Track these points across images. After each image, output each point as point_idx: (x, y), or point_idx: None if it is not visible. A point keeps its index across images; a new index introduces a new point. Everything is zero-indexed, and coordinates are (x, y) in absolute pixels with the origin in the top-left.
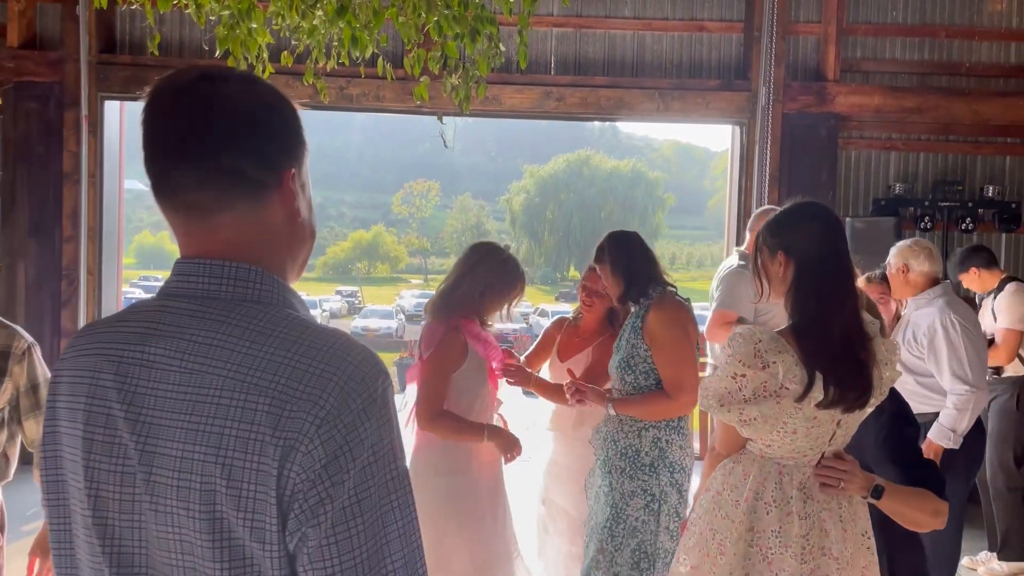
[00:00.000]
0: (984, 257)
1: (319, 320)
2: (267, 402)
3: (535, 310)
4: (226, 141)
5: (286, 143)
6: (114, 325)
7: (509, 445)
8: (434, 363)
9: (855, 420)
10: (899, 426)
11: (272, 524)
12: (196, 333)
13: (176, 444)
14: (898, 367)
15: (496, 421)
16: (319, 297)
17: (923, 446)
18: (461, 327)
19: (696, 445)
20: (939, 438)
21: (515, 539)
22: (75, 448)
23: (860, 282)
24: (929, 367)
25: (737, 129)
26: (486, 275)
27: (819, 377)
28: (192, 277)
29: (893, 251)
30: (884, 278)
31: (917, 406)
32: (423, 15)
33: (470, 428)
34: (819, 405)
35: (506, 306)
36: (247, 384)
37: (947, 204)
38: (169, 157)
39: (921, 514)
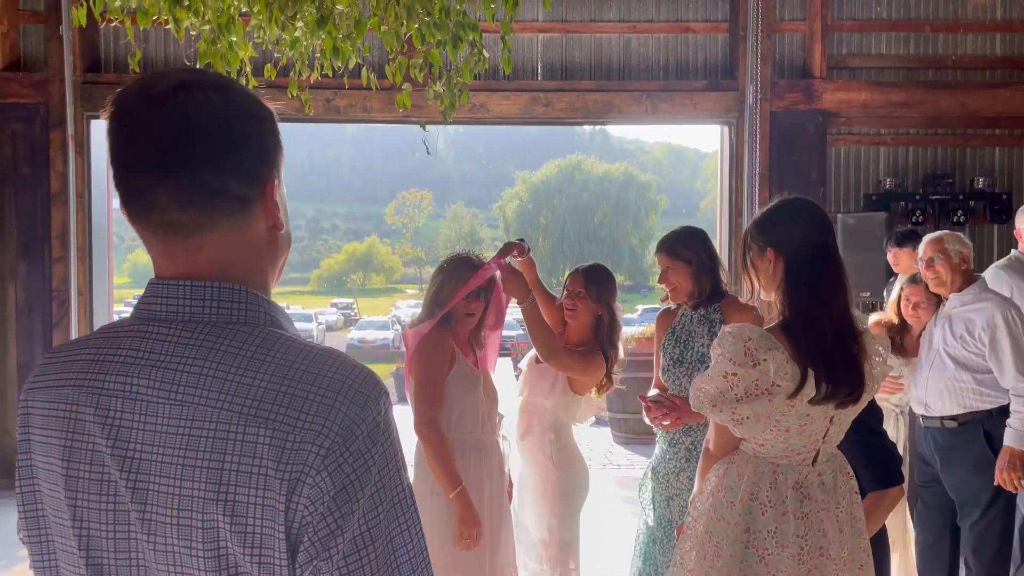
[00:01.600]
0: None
1: (315, 333)
2: (269, 434)
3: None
4: (207, 157)
5: (266, 152)
6: (89, 352)
7: (465, 524)
8: (421, 365)
9: (848, 416)
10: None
11: (281, 558)
12: (183, 362)
13: (172, 481)
14: (948, 364)
15: (500, 440)
16: (315, 310)
17: (1002, 455)
18: (448, 334)
19: None
20: (1018, 442)
21: (515, 566)
22: (55, 485)
23: (905, 284)
24: (990, 364)
25: (726, 129)
26: (435, 287)
27: (811, 373)
28: (172, 300)
29: (950, 241)
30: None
31: (974, 403)
32: (404, 23)
33: (450, 473)
34: (812, 401)
35: (468, 292)
36: (246, 416)
37: (938, 197)
38: (145, 175)
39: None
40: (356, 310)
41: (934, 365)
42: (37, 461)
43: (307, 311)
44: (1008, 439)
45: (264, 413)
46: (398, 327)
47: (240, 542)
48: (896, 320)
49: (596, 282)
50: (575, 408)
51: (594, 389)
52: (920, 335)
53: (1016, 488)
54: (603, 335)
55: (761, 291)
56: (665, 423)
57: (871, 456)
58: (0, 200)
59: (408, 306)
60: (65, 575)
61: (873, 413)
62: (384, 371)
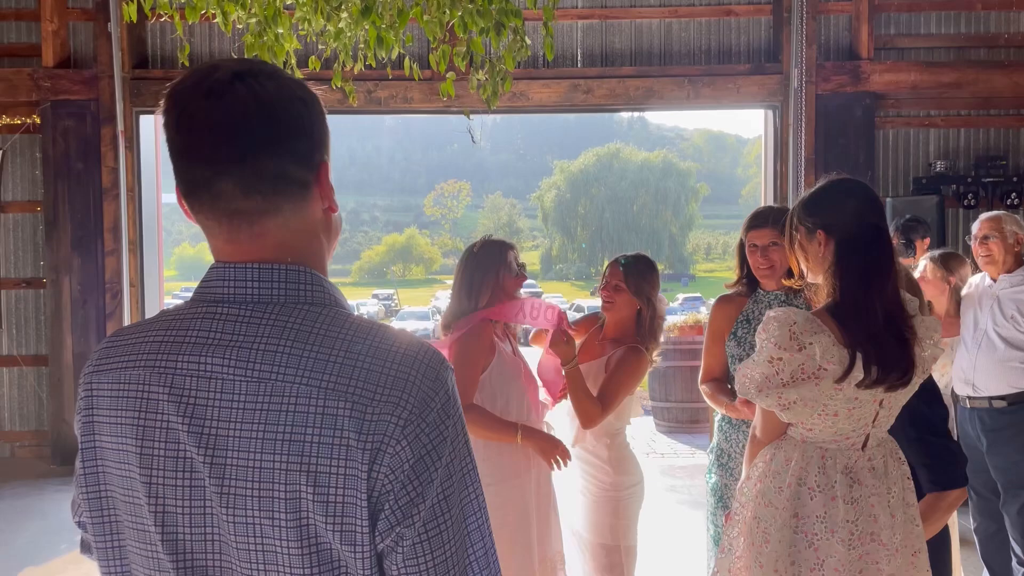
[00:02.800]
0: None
1: None
2: (348, 406)
3: (571, 306)
4: (266, 144)
5: (319, 136)
6: (157, 334)
7: (548, 447)
8: (460, 350)
9: (898, 400)
10: (925, 402)
11: (363, 526)
12: (257, 340)
13: (252, 455)
14: (998, 344)
15: (545, 427)
16: (356, 301)
17: None
18: (488, 326)
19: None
20: None
21: (562, 555)
22: (127, 464)
23: (928, 265)
24: None
25: (770, 113)
26: (466, 278)
27: (859, 357)
28: (241, 282)
29: (1008, 222)
30: (945, 259)
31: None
32: (447, 12)
33: (502, 426)
34: (860, 385)
35: (501, 284)
36: (324, 390)
37: (990, 180)
38: (208, 164)
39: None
40: (397, 301)
41: (982, 346)
42: (104, 442)
43: (349, 302)
44: None
45: (343, 387)
46: (438, 317)
47: (323, 511)
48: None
49: (636, 274)
50: (626, 410)
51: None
52: (945, 314)
53: None
54: (644, 330)
55: (808, 274)
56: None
57: (931, 455)
58: (54, 195)
59: (448, 296)
60: (133, 555)
61: (936, 410)
62: None
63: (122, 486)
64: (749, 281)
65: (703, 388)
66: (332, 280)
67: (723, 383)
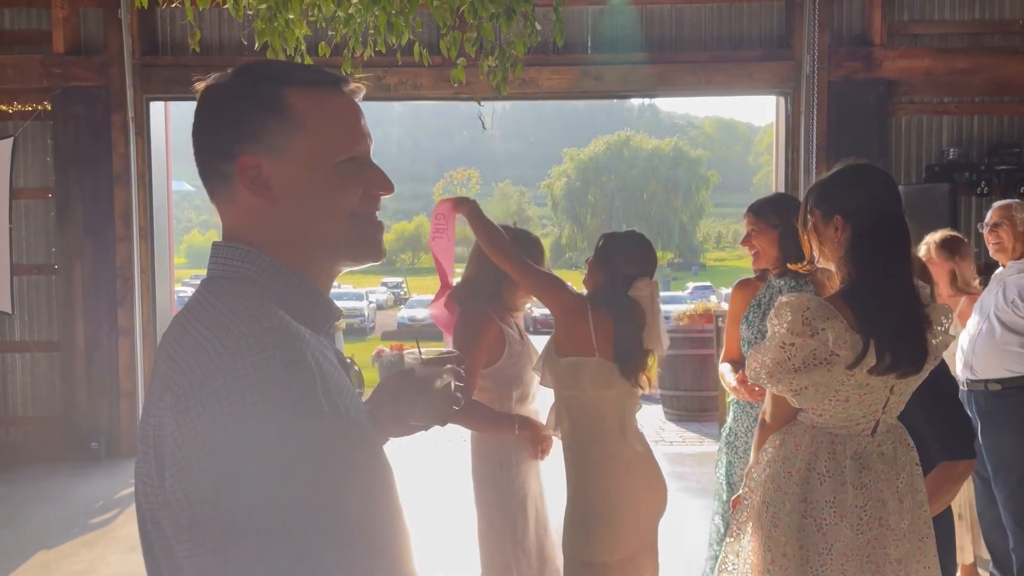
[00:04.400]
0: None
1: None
2: (170, 374)
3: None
4: (200, 138)
5: (243, 130)
6: None
7: (537, 439)
8: (459, 349)
9: (909, 386)
10: (940, 370)
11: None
12: (181, 312)
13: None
14: (997, 327)
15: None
16: (365, 289)
17: None
18: (493, 318)
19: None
20: None
21: (559, 544)
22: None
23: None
24: None
25: (782, 100)
26: (493, 270)
27: (871, 343)
28: (210, 258)
29: (1018, 209)
30: (947, 245)
31: (1021, 368)
32: None
33: (500, 421)
34: (872, 371)
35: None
36: (167, 359)
37: (1004, 168)
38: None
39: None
40: (406, 289)
41: (983, 329)
42: None
43: (358, 290)
44: None
45: (174, 356)
46: None
47: (159, 484)
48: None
49: (607, 244)
50: (583, 382)
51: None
52: (949, 292)
53: None
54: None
55: (820, 258)
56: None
57: (947, 425)
58: (66, 181)
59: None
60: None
61: (951, 378)
62: (433, 348)
63: None
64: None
65: (720, 367)
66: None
67: (739, 364)
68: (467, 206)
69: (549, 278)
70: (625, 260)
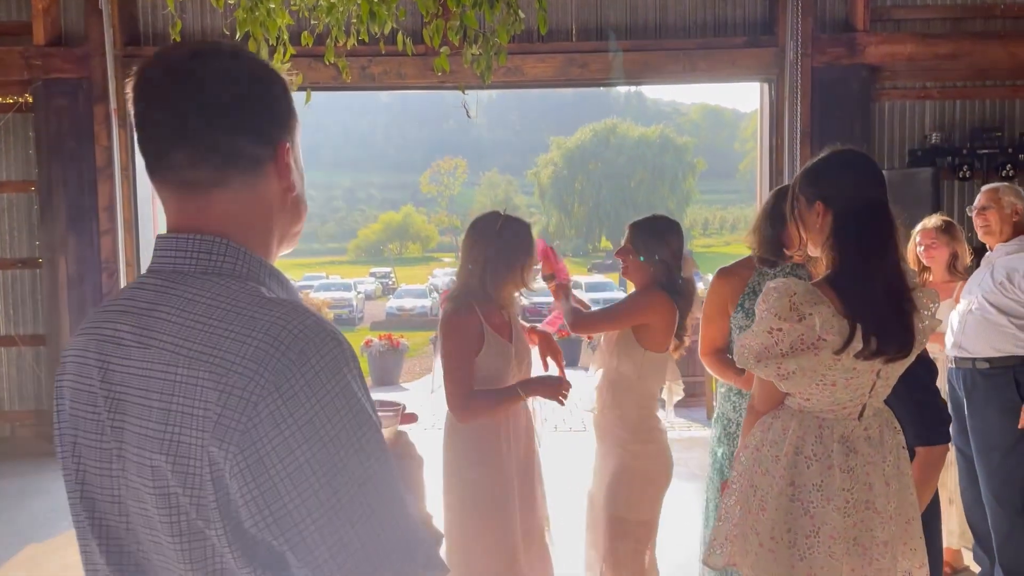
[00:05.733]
0: None
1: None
2: (208, 375)
3: (570, 283)
4: (220, 119)
5: (279, 115)
6: (109, 302)
7: (551, 389)
8: (449, 351)
9: (895, 370)
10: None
11: (212, 501)
12: (154, 308)
13: (137, 421)
14: (987, 307)
15: (529, 401)
16: (353, 279)
17: None
18: (475, 310)
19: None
20: None
21: (547, 518)
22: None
23: (917, 231)
24: None
25: (766, 86)
26: (483, 254)
27: (858, 328)
28: (163, 252)
29: (1006, 192)
30: (948, 229)
31: (1009, 347)
32: None
33: (504, 396)
34: (859, 356)
35: (517, 279)
36: (189, 358)
37: (986, 151)
38: (164, 139)
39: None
40: (394, 279)
41: (972, 309)
42: (66, 405)
43: (346, 280)
44: None
45: (207, 355)
46: (435, 295)
47: (180, 482)
48: (916, 267)
49: (642, 234)
50: (652, 373)
51: (672, 346)
52: (944, 278)
53: None
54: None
55: (807, 244)
56: None
57: (918, 412)
58: (48, 174)
59: (444, 274)
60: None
61: (926, 366)
62: (423, 339)
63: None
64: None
65: (706, 360)
66: (328, 259)
67: (723, 353)
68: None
69: (627, 306)
70: (670, 243)
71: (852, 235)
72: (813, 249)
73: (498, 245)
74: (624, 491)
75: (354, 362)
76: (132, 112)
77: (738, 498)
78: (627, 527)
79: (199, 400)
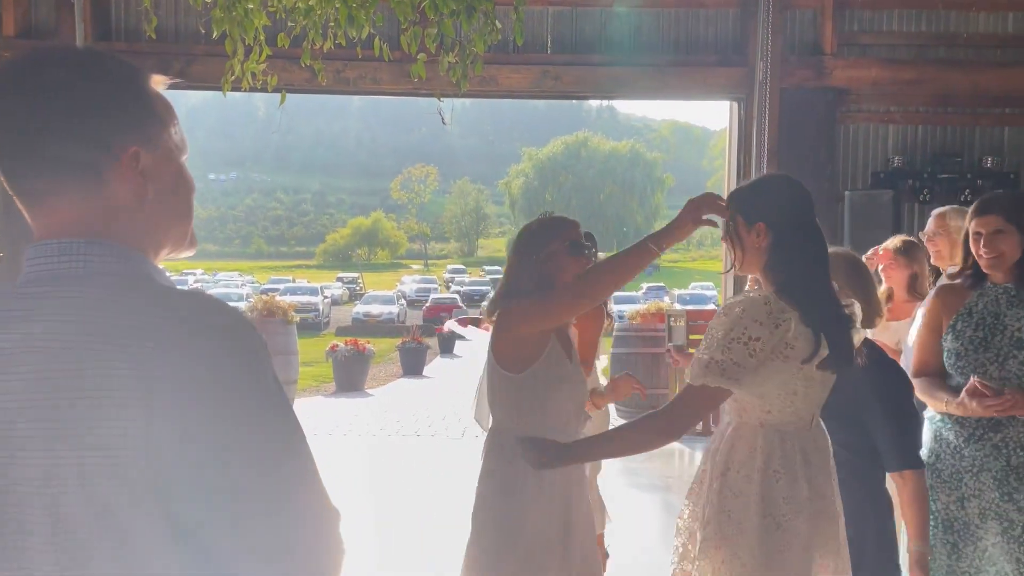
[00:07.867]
0: None
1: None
2: (126, 358)
3: None
4: (50, 129)
5: (124, 121)
6: None
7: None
8: (525, 305)
9: (831, 380)
10: (892, 381)
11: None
12: (42, 313)
13: (27, 424)
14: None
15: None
16: (320, 284)
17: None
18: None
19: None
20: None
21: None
22: None
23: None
24: None
25: (735, 105)
26: (528, 264)
27: (823, 336)
28: (40, 259)
29: (952, 217)
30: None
31: None
32: None
33: (634, 251)
34: (820, 365)
35: (568, 269)
36: (104, 344)
37: (946, 176)
38: (3, 150)
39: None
40: (362, 284)
41: None
42: None
43: (313, 285)
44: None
45: (122, 339)
46: (403, 302)
47: (109, 474)
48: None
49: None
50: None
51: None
52: (904, 298)
53: None
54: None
55: (742, 264)
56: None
57: (901, 436)
58: None
59: (413, 281)
60: None
61: (908, 388)
62: (389, 345)
63: None
64: (975, 272)
65: (916, 382)
66: (295, 263)
67: (939, 379)
68: None
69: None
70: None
71: (795, 253)
72: (748, 269)
73: (538, 250)
74: None
75: (260, 342)
76: None
77: (715, 529)
78: None
79: (117, 385)
